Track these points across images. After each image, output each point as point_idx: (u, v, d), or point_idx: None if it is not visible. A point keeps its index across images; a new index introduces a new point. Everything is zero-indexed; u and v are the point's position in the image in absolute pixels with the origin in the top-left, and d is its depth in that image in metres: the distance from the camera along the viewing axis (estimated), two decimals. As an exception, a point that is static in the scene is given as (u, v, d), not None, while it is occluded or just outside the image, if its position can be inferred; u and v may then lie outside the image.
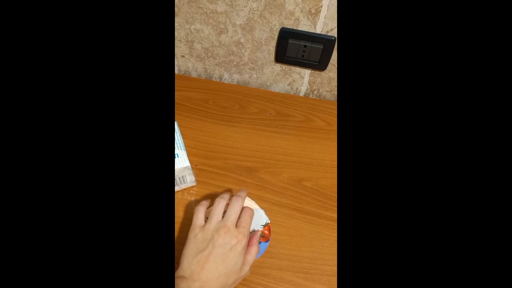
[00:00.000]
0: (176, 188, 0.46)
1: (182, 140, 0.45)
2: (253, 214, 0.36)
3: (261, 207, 0.45)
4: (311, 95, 0.63)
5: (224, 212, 0.35)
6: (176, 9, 0.54)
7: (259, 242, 0.38)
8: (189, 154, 0.50)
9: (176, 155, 0.43)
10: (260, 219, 0.40)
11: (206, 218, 0.35)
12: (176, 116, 0.56)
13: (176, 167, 0.42)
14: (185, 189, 0.47)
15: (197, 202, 0.46)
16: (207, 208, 0.38)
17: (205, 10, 0.53)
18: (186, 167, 0.43)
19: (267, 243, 0.38)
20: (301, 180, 0.49)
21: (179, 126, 0.55)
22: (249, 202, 0.41)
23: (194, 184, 0.47)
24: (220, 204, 0.35)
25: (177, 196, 0.46)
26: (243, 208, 0.36)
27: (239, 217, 0.35)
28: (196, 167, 0.49)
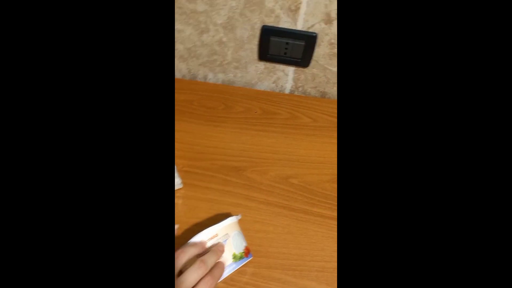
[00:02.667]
0: (162, 192, 0.45)
1: (166, 143, 0.45)
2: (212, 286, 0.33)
3: (249, 207, 0.45)
4: (296, 92, 0.63)
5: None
6: (155, 10, 0.53)
7: (242, 258, 0.38)
8: (175, 157, 0.50)
9: (160, 159, 0.43)
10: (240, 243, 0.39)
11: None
12: (160, 119, 0.55)
13: (160, 171, 0.42)
14: (171, 192, 0.47)
15: (183, 205, 0.46)
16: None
17: (184, 10, 0.52)
18: (171, 170, 0.42)
19: (248, 259, 0.38)
20: (288, 178, 0.49)
21: (164, 128, 0.54)
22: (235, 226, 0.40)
23: (180, 186, 0.47)
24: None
25: (163, 200, 0.46)
26: (204, 278, 0.33)
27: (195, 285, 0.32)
28: (182, 169, 0.49)
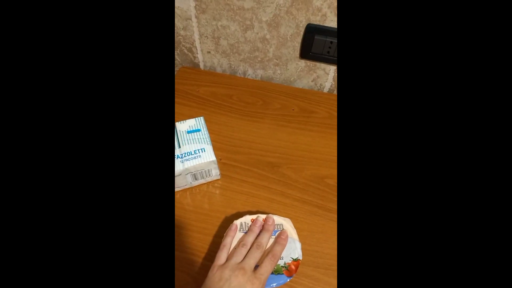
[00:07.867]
0: (202, 181, 0.47)
1: (208, 135, 0.47)
2: (274, 265, 0.36)
3: (284, 203, 0.46)
4: (335, 92, 0.62)
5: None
6: (203, 5, 0.55)
7: (281, 274, 0.36)
8: (214, 148, 0.51)
9: (202, 150, 0.45)
10: (293, 251, 0.38)
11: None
12: (202, 111, 0.57)
13: (202, 161, 0.44)
14: (210, 182, 0.49)
15: (221, 195, 0.47)
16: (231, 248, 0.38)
17: (232, 6, 0.54)
18: (212, 161, 0.44)
19: (288, 279, 0.36)
20: (324, 178, 0.49)
21: (206, 121, 0.56)
22: (291, 230, 0.40)
23: (219, 177, 0.49)
24: (242, 248, 0.36)
25: (202, 189, 0.48)
26: (267, 255, 0.36)
27: (260, 264, 0.35)
28: (220, 161, 0.51)
